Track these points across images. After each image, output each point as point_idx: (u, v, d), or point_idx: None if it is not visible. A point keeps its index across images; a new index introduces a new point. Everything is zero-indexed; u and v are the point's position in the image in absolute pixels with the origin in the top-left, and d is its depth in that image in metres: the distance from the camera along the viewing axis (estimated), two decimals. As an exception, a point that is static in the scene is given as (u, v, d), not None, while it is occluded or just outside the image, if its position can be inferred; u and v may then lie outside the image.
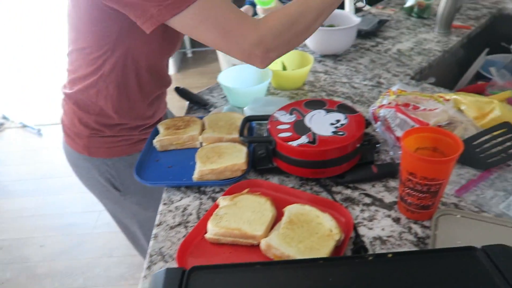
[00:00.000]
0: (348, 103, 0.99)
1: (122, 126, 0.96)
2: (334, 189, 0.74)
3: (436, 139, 0.64)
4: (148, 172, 0.80)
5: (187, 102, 1.05)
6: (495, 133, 0.78)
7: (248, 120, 0.82)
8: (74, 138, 0.98)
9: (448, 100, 0.82)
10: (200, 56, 3.72)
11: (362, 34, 1.34)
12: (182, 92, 1.06)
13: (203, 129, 0.89)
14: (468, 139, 0.79)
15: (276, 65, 1.13)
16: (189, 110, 1.04)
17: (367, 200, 0.71)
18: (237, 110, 0.98)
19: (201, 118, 0.92)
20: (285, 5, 0.78)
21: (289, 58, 1.13)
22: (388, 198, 0.71)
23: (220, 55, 2.41)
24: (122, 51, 0.86)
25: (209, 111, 1.01)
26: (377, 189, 0.73)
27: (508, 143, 0.76)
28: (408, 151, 0.59)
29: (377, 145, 0.78)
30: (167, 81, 1.02)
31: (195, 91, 1.09)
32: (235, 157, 0.77)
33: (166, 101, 1.09)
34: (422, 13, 1.45)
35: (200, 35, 0.76)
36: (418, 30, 1.38)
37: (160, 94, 1.02)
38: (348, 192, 0.73)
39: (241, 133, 0.79)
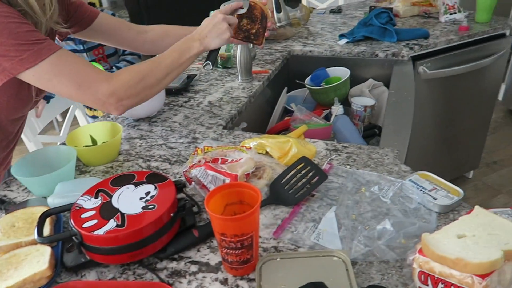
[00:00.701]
0: (166, 165, 0.97)
1: None
2: (159, 265, 0.69)
3: (239, 192, 0.66)
4: None
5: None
6: (297, 167, 0.85)
7: (47, 215, 0.72)
8: None
9: (249, 148, 0.87)
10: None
11: (174, 92, 1.36)
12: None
13: (-4, 236, 0.74)
14: (277, 179, 0.84)
15: (84, 140, 1.05)
16: (-19, 214, 0.86)
17: (194, 268, 0.68)
18: (44, 201, 0.86)
19: (-7, 223, 0.77)
20: (140, 62, 0.94)
21: (98, 130, 1.06)
22: (214, 259, 0.69)
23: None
24: None
25: (6, 210, 0.85)
26: (202, 253, 0.71)
27: (310, 174, 0.84)
28: (212, 214, 0.59)
29: (193, 207, 0.76)
30: (10, 143, 1.03)
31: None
32: (36, 263, 0.66)
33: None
34: (226, 63, 1.57)
35: (55, 87, 0.84)
36: (225, 80, 1.47)
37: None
38: (173, 265, 0.69)
39: (39, 233, 0.68)
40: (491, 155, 2.62)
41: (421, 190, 0.78)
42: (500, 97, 3.02)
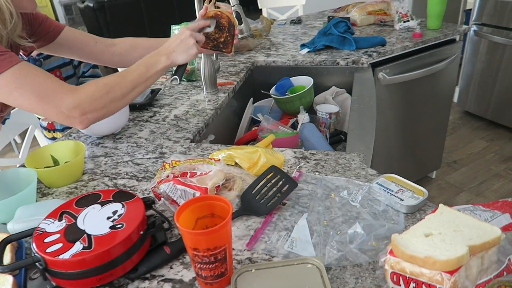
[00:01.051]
0: (134, 182, 0.95)
1: None
2: (130, 286, 0.67)
3: (210, 205, 0.65)
4: None
5: None
6: (267, 177, 0.85)
7: (6, 242, 0.68)
8: None
9: (218, 160, 0.87)
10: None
11: (138, 107, 1.33)
12: None
13: (-49, 269, 0.69)
14: (248, 189, 0.84)
15: (45, 161, 1.01)
16: None
17: (167, 286, 0.66)
18: (3, 228, 0.82)
19: None
20: (105, 76, 0.93)
21: (60, 150, 1.03)
22: (188, 275, 0.68)
23: None
24: None
25: (-38, 240, 0.80)
26: (175, 270, 0.69)
27: (280, 183, 0.85)
28: (182, 229, 0.58)
29: (164, 223, 0.75)
30: None
31: None
32: (-3, 294, 0.62)
33: None
34: (190, 76, 1.56)
35: (16, 100, 0.83)
36: (190, 93, 1.46)
37: None
38: (145, 284, 0.67)
39: (-1, 262, 0.64)
40: (451, 154, 2.74)
41: (388, 192, 0.80)
42: (455, 99, 3.17)
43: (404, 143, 2.16)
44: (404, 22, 2.06)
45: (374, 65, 1.75)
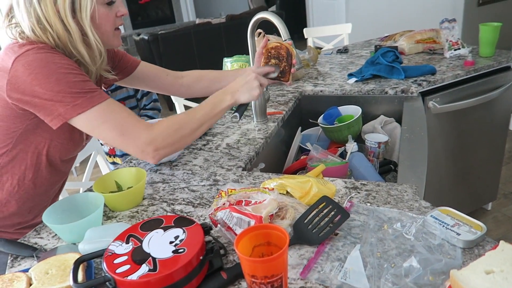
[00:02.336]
0: (190, 208, 1.00)
1: None
2: (190, 309, 0.70)
3: (267, 234, 0.68)
4: None
5: (9, 255, 0.90)
6: (319, 207, 0.87)
7: (80, 262, 0.74)
8: None
9: (272, 189, 0.90)
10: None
11: (192, 136, 1.41)
12: (2, 244, 0.91)
13: (30, 284, 0.76)
14: (300, 219, 0.86)
15: (110, 186, 1.08)
16: (13, 263, 0.89)
17: (224, 311, 0.69)
18: (74, 248, 0.89)
19: (26, 271, 0.80)
20: (175, 115, 1.01)
21: (123, 176, 1.10)
22: (243, 301, 0.71)
23: None
24: (24, 146, 0.96)
25: (38, 257, 0.88)
26: (231, 296, 0.72)
27: (332, 213, 0.86)
28: (242, 256, 0.61)
29: (220, 249, 0.78)
30: (63, 182, 1.15)
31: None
32: (72, 310, 0.67)
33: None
34: (248, 106, 1.62)
35: (101, 133, 0.92)
36: (241, 122, 1.52)
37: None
38: (204, 308, 0.70)
39: (75, 279, 0.70)
40: (508, 185, 2.60)
41: (443, 226, 0.79)
42: (511, 127, 3.02)
43: (457, 173, 2.09)
44: (455, 50, 2.03)
45: (424, 94, 1.73)
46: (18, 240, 0.94)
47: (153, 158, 0.96)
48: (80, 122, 0.90)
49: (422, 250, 0.75)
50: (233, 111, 1.15)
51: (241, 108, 1.13)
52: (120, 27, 1.02)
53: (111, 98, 0.94)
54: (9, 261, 0.89)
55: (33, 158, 0.99)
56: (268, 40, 1.23)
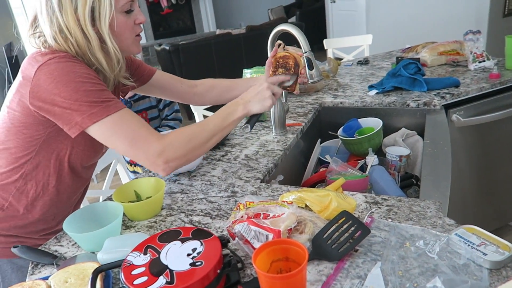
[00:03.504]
0: (208, 219, 1.00)
1: (25, 227, 1.03)
2: (206, 324, 0.69)
3: (285, 249, 0.67)
4: None
5: (30, 262, 0.91)
6: (339, 222, 0.85)
7: (99, 272, 0.74)
8: None
9: (291, 203, 0.89)
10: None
11: (211, 146, 1.41)
12: (23, 251, 0.92)
13: (49, 292, 0.77)
14: (319, 234, 0.85)
15: (129, 195, 1.09)
16: (34, 270, 0.90)
17: (241, 326, 0.68)
18: (93, 256, 0.90)
19: (46, 278, 0.80)
20: (186, 126, 1.00)
21: (142, 186, 1.11)
22: (260, 317, 0.69)
23: None
24: (46, 153, 0.98)
25: (58, 265, 0.89)
26: (248, 311, 0.71)
27: (352, 229, 0.84)
28: (260, 272, 0.60)
29: (238, 263, 0.77)
30: (85, 188, 1.18)
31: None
32: (89, 320, 0.67)
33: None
34: (260, 117, 1.62)
35: (113, 142, 0.93)
36: (260, 133, 1.52)
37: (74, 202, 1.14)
38: (220, 323, 0.69)
39: (92, 290, 0.70)
40: (535, 202, 2.50)
41: (469, 245, 0.76)
42: (539, 141, 2.92)
43: (481, 189, 2.03)
44: (480, 62, 1.99)
45: (447, 107, 1.70)
46: (39, 247, 0.96)
47: (163, 171, 0.94)
48: (95, 131, 0.91)
49: (447, 270, 0.73)
50: (245, 121, 1.14)
51: (253, 119, 1.12)
52: (141, 35, 1.04)
53: (127, 108, 0.95)
54: (30, 268, 0.91)
55: (56, 164, 1.01)
56: (286, 50, 1.23)
